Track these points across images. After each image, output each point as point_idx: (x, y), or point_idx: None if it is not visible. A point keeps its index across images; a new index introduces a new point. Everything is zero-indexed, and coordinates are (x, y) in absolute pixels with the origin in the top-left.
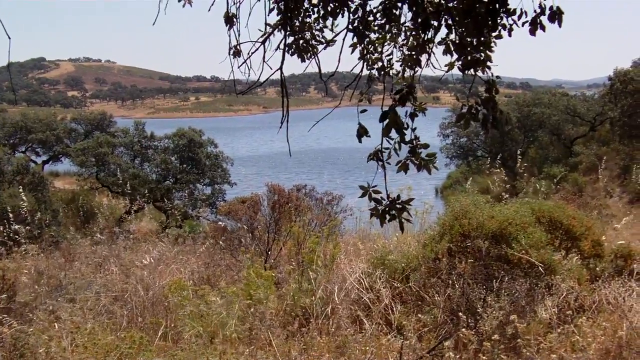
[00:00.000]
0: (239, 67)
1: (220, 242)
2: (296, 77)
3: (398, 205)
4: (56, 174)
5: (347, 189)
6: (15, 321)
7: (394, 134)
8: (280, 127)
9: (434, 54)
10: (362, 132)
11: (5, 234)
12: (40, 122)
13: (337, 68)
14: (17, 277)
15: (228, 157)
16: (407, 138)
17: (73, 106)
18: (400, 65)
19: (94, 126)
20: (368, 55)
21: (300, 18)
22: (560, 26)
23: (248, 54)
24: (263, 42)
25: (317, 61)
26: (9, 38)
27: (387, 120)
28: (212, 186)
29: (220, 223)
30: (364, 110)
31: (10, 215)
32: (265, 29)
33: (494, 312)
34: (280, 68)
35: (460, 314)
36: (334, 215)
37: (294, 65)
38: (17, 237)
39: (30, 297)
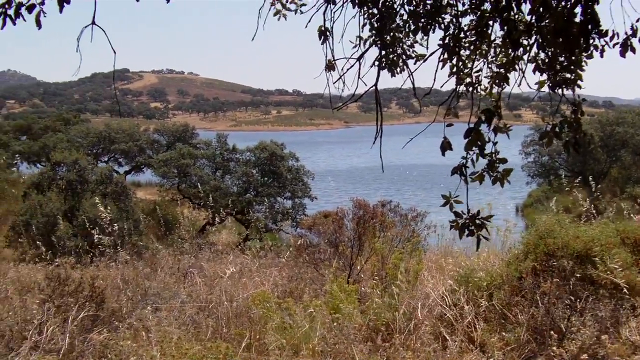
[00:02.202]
0: (334, 83)
1: (304, 256)
2: (373, 92)
3: (477, 221)
4: (138, 184)
5: (429, 206)
6: (104, 328)
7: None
8: (374, 143)
9: (523, 72)
10: (446, 147)
11: (94, 241)
12: (124, 132)
13: (433, 85)
14: (106, 285)
15: (309, 171)
16: (487, 151)
17: (155, 117)
18: (489, 82)
19: (176, 138)
20: (458, 72)
21: (391, 33)
22: None
23: (342, 69)
24: (359, 59)
25: (412, 78)
26: (114, 52)
27: (470, 137)
28: (293, 200)
29: (303, 237)
30: (450, 125)
31: (102, 221)
32: (360, 43)
33: (579, 332)
34: (375, 84)
35: (552, 332)
36: (418, 231)
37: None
38: (100, 246)
39: (117, 305)
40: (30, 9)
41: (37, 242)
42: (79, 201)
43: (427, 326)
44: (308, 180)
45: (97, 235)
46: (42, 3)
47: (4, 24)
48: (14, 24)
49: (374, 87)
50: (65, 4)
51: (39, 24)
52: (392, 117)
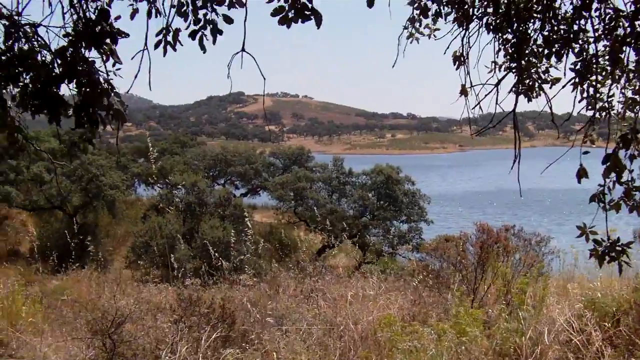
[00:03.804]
0: (472, 109)
1: (428, 280)
2: (491, 116)
3: (618, 248)
4: (254, 207)
5: (547, 231)
6: (235, 349)
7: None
8: (512, 168)
9: None
10: (582, 174)
11: (214, 263)
12: (240, 155)
13: (572, 111)
14: (236, 306)
15: (425, 194)
16: (623, 179)
17: (270, 140)
18: (622, 107)
19: (292, 161)
20: (590, 97)
21: (526, 58)
22: None
23: (477, 95)
24: (497, 85)
25: (550, 103)
26: (264, 78)
27: (608, 163)
28: (409, 223)
29: (423, 261)
30: (586, 152)
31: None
32: (495, 69)
33: None
34: (514, 110)
35: None
36: (542, 256)
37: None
38: (220, 268)
39: (244, 326)
40: (193, 35)
41: (157, 263)
42: (198, 223)
43: (554, 351)
44: (424, 204)
45: (217, 257)
46: (204, 27)
47: (165, 51)
48: (174, 50)
49: (486, 111)
50: (218, 34)
51: (203, 48)
52: (507, 141)
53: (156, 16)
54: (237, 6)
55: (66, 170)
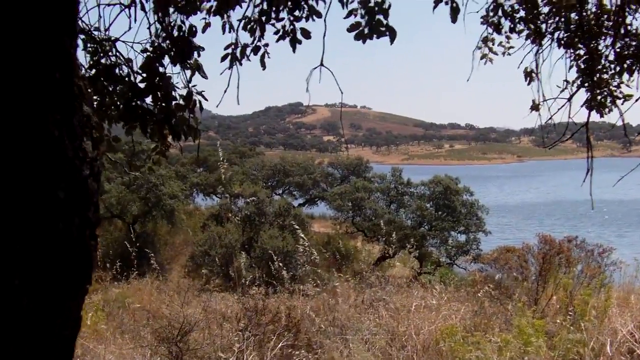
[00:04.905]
0: (545, 123)
1: (490, 291)
2: (551, 127)
3: None
4: (311, 217)
5: (607, 243)
6: (301, 358)
7: None
8: (584, 181)
9: None
10: None
11: (273, 273)
12: (298, 165)
13: None
14: (302, 315)
15: (483, 205)
16: None
17: (328, 151)
18: None
19: (350, 171)
20: None
21: (597, 75)
22: None
23: (549, 109)
24: (569, 99)
25: (623, 119)
26: (342, 92)
27: None
28: (467, 234)
29: (484, 271)
30: None
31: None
32: (569, 86)
33: None
34: (587, 124)
35: None
36: (604, 267)
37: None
38: (279, 278)
39: (306, 336)
40: (255, 50)
41: (218, 272)
42: (257, 233)
43: None
44: (482, 215)
45: (282, 267)
46: (267, 45)
47: (231, 65)
48: (240, 64)
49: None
50: (297, 44)
51: (263, 65)
52: (566, 152)
53: (229, 31)
54: (314, 18)
55: (126, 180)
